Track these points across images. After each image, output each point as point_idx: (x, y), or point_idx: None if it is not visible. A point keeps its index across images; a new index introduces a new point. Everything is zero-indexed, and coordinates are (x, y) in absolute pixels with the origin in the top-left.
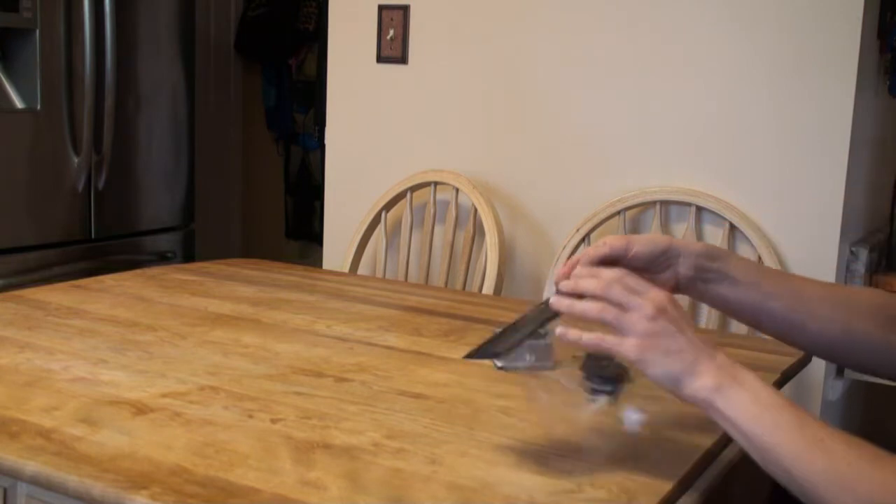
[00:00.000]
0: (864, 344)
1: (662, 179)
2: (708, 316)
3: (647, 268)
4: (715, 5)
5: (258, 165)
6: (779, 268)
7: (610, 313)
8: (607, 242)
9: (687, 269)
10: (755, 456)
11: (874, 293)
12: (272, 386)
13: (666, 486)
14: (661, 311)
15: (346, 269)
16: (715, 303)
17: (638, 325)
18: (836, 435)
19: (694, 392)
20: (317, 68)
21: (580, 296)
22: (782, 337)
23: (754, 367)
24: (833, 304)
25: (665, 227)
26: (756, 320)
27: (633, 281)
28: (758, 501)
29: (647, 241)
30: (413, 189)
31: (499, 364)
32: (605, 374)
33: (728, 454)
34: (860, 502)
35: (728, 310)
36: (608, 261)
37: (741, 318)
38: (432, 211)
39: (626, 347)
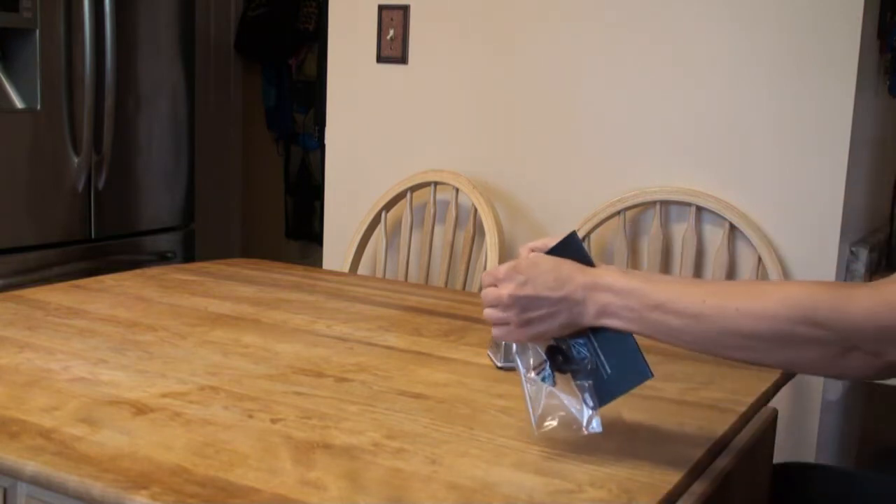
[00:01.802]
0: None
1: (662, 179)
2: None
3: None
4: (715, 5)
5: (258, 165)
6: (779, 269)
7: (491, 317)
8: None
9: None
10: (662, 341)
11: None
12: (272, 386)
13: (666, 486)
14: (511, 299)
15: (346, 269)
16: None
17: (506, 318)
18: (709, 287)
19: (588, 325)
20: (317, 68)
21: None
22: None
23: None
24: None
25: (665, 227)
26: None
27: (492, 286)
28: (757, 501)
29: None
30: (413, 189)
31: (499, 364)
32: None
33: (728, 454)
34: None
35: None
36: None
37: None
38: (432, 211)
39: (514, 336)
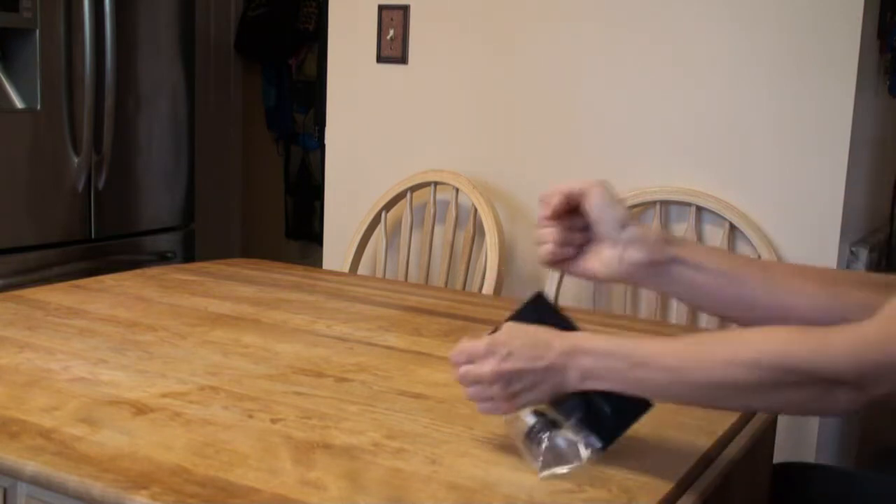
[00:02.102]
0: (859, 309)
1: (662, 179)
2: (677, 310)
3: (595, 232)
4: (715, 6)
5: (258, 165)
6: None
7: (476, 396)
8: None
9: (636, 259)
10: (650, 397)
11: (852, 272)
12: (272, 386)
13: (666, 486)
14: (495, 375)
15: (346, 269)
16: (678, 290)
17: (491, 393)
18: (688, 341)
19: (573, 390)
20: (317, 68)
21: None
22: (763, 320)
23: None
24: (813, 279)
25: (665, 227)
26: (728, 306)
27: (467, 364)
28: (757, 501)
29: (603, 207)
30: (413, 189)
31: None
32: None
33: (728, 454)
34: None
35: (695, 297)
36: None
37: (711, 305)
38: (432, 211)
39: (502, 409)
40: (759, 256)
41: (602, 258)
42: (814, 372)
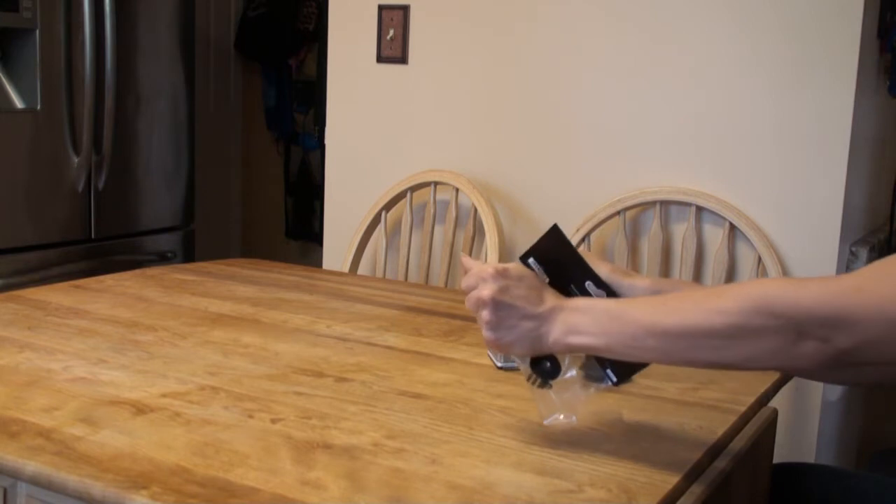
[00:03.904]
0: None
1: (662, 179)
2: None
3: None
4: (715, 6)
5: (258, 165)
6: (779, 269)
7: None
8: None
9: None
10: (631, 358)
11: None
12: (272, 386)
13: (666, 486)
14: (490, 301)
15: (346, 269)
16: None
17: (484, 330)
18: (671, 294)
19: (551, 348)
20: (317, 68)
21: None
22: None
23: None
24: None
25: (665, 227)
26: None
27: (476, 287)
28: (757, 501)
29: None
30: (413, 189)
31: (499, 364)
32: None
33: (728, 454)
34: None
35: None
36: None
37: None
38: (432, 211)
39: (491, 346)
40: (759, 256)
41: None
42: (784, 315)
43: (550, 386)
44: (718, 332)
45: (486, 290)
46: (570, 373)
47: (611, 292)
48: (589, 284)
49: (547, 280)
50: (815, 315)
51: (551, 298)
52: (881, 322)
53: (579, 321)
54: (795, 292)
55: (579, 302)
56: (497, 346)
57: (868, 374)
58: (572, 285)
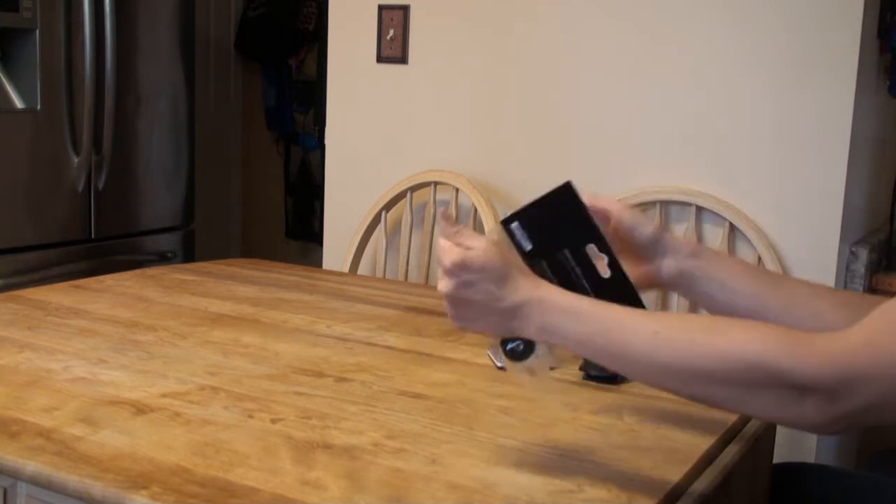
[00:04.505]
0: None
1: (662, 179)
2: None
3: (630, 248)
4: (715, 5)
5: (258, 165)
6: (779, 269)
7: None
8: (600, 202)
9: (671, 269)
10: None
11: (867, 296)
12: (272, 386)
13: (666, 486)
14: (447, 296)
15: (346, 269)
16: (703, 303)
17: (449, 312)
18: (663, 318)
19: (527, 336)
20: (317, 68)
21: None
22: None
23: None
24: (831, 301)
25: (665, 227)
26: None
27: (447, 265)
28: (757, 501)
29: (634, 225)
30: (413, 189)
31: (499, 364)
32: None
33: (728, 454)
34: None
35: (715, 311)
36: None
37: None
38: (432, 211)
39: (454, 325)
40: (759, 257)
41: (638, 273)
42: (789, 376)
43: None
44: (713, 378)
45: (442, 286)
46: (542, 352)
47: (613, 259)
48: (590, 248)
49: (529, 248)
50: (821, 376)
51: (523, 289)
52: (893, 379)
53: (558, 323)
54: (801, 350)
55: (559, 296)
56: (467, 331)
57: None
58: (566, 251)
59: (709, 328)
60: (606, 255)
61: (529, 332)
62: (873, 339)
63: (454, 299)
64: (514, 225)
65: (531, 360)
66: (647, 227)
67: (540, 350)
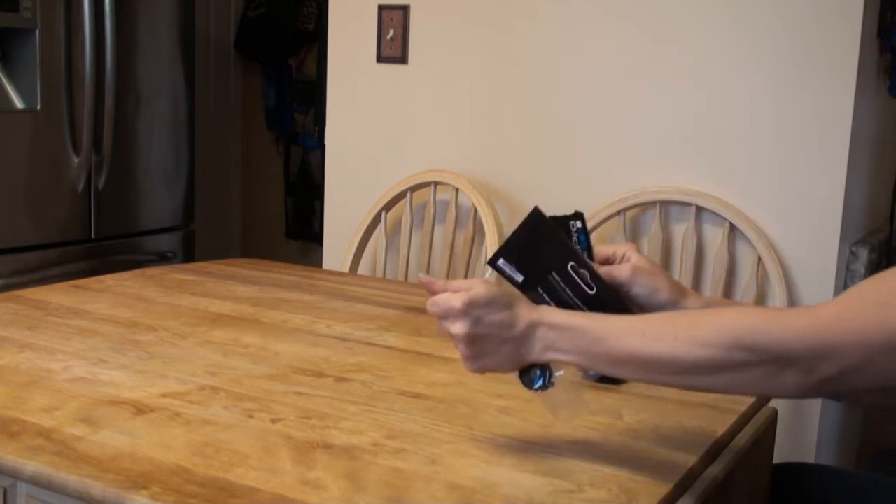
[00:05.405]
0: None
1: (662, 179)
2: None
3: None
4: (715, 5)
5: (258, 165)
6: (779, 269)
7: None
8: (621, 273)
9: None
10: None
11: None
12: (272, 386)
13: (666, 486)
14: (464, 337)
15: (346, 269)
16: None
17: (464, 363)
18: (651, 320)
19: (533, 362)
20: (317, 68)
21: None
22: None
23: None
24: None
25: (665, 227)
26: None
27: (446, 325)
28: (757, 501)
29: (651, 291)
30: (413, 189)
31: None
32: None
33: (728, 454)
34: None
35: None
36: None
37: None
38: (432, 211)
39: (469, 368)
40: (759, 256)
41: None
42: (766, 350)
43: (553, 384)
44: (699, 365)
45: (458, 328)
46: (559, 372)
47: (593, 272)
48: (572, 266)
49: (521, 279)
50: (796, 349)
51: (525, 314)
52: (862, 349)
53: (556, 339)
54: (776, 327)
55: (555, 316)
56: (481, 372)
57: (858, 398)
58: (554, 274)
59: (691, 322)
60: (587, 270)
61: (535, 353)
62: (843, 312)
63: (470, 338)
64: (501, 262)
65: (552, 387)
66: (662, 292)
67: (556, 373)
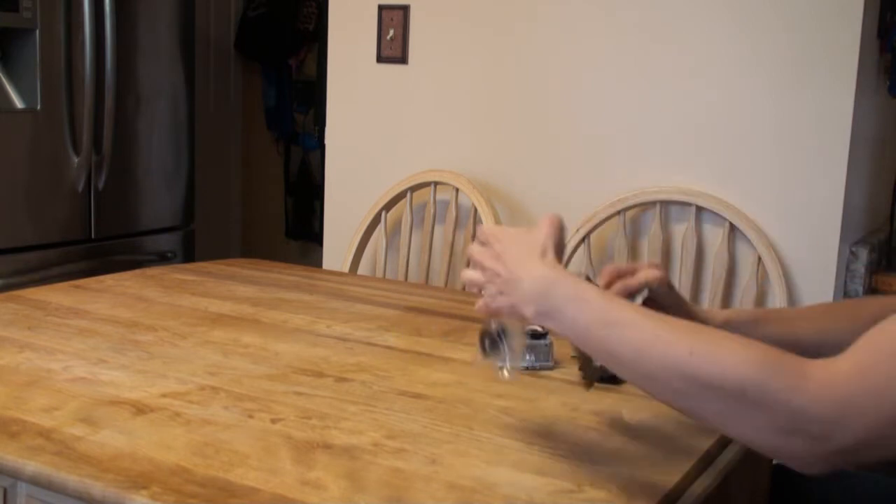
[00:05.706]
0: None
1: (662, 179)
2: None
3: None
4: (715, 5)
5: (258, 165)
6: (779, 269)
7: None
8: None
9: None
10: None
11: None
12: (272, 386)
13: (666, 486)
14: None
15: (346, 269)
16: None
17: (478, 257)
18: (667, 320)
19: (526, 315)
20: (317, 68)
21: None
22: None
23: None
24: (836, 316)
25: (665, 227)
26: None
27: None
28: (757, 501)
29: (668, 304)
30: (413, 189)
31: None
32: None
33: (728, 454)
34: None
35: None
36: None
37: None
38: (432, 211)
39: (484, 305)
40: (759, 256)
41: None
42: (782, 402)
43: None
44: (707, 384)
45: (483, 232)
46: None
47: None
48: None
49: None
50: (813, 412)
51: (539, 265)
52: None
53: (562, 308)
54: (795, 387)
55: (570, 281)
56: (496, 307)
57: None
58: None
59: (710, 338)
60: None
61: (529, 311)
62: (862, 370)
63: (496, 233)
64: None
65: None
66: (681, 306)
67: (507, 348)
